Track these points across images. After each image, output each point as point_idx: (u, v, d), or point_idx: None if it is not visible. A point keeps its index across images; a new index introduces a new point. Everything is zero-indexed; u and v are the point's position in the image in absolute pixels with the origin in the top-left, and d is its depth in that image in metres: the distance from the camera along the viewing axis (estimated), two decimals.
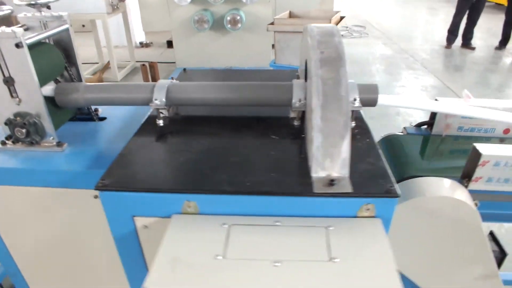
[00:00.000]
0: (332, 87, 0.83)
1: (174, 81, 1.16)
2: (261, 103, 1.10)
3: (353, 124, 1.04)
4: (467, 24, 6.03)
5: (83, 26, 6.85)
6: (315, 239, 0.74)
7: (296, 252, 0.72)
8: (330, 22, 3.33)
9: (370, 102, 1.05)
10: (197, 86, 1.13)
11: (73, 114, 1.36)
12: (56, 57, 1.24)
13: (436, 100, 1.23)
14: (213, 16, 4.66)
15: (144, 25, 4.92)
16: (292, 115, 1.08)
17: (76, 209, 1.15)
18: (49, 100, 1.16)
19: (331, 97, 0.82)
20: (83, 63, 5.37)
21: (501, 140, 1.26)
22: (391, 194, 0.76)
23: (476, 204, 1.03)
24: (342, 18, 3.86)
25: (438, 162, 1.18)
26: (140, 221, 0.88)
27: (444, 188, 0.94)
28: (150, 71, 4.63)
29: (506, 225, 2.54)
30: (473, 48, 6.06)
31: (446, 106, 1.10)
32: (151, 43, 6.89)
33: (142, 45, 6.76)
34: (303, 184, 0.80)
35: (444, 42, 6.29)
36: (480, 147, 0.95)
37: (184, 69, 1.59)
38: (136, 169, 0.91)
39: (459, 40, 6.22)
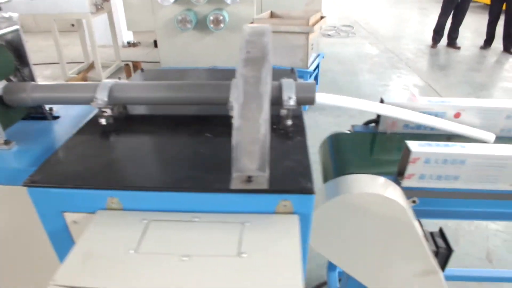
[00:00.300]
0: (252, 86, 0.85)
1: (120, 80, 1.18)
2: (201, 102, 1.12)
3: (290, 122, 1.06)
4: (452, 24, 6.08)
5: (73, 25, 6.84)
6: (229, 235, 0.76)
7: (206, 247, 0.74)
8: (308, 23, 3.36)
9: (307, 100, 1.08)
10: (139, 85, 1.15)
11: (26, 113, 1.37)
12: (5, 57, 1.25)
13: (381, 100, 1.26)
14: (197, 16, 4.67)
15: (128, 25, 4.92)
16: (231, 113, 1.10)
17: (21, 206, 1.17)
18: None
19: (251, 96, 0.84)
20: (68, 63, 5.38)
21: (448, 138, 1.29)
22: (306, 191, 0.79)
23: (414, 202, 1.06)
24: (322, 18, 3.88)
25: (378, 159, 1.21)
26: (69, 217, 0.90)
27: (373, 185, 0.96)
28: (134, 70, 4.64)
29: (477, 222, 2.59)
30: (458, 48, 6.11)
31: (384, 109, 1.12)
32: (139, 42, 6.90)
33: (129, 44, 6.77)
34: (223, 181, 0.82)
35: (431, 42, 6.34)
36: (411, 144, 0.97)
37: (142, 69, 1.60)
38: (66, 166, 0.93)
39: (445, 40, 6.27)
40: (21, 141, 1.21)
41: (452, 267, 2.11)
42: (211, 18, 4.55)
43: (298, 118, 1.11)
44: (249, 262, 0.70)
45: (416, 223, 1.00)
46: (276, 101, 1.05)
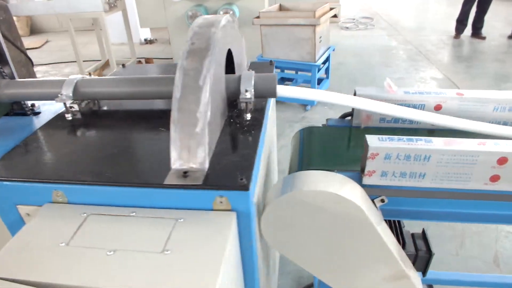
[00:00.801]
0: (191, 78, 0.82)
1: (87, 76, 1.18)
2: (156, 97, 1.10)
3: (249, 116, 1.03)
4: (476, 12, 5.75)
5: (93, 24, 7.03)
6: (159, 231, 0.74)
7: (134, 243, 0.72)
8: (314, 15, 3.27)
9: (268, 93, 1.04)
10: (102, 81, 1.14)
11: (8, 109, 1.40)
12: None
13: (354, 93, 1.19)
14: (207, 11, 4.67)
15: (141, 22, 4.99)
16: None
17: None
18: None
19: (189, 89, 0.81)
20: (86, 61, 5.53)
21: (430, 132, 1.21)
22: (241, 187, 0.75)
23: (383, 201, 0.99)
24: (331, 9, 3.77)
25: (347, 155, 1.15)
26: (22, 210, 0.91)
27: (327, 182, 0.90)
28: None
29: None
30: (483, 38, 5.79)
31: (351, 100, 1.07)
32: (156, 39, 7.00)
33: (146, 41, 6.88)
34: (163, 176, 0.80)
35: (454, 33, 6.05)
36: (370, 138, 0.91)
37: (123, 65, 1.61)
38: (21, 160, 0.94)
39: (469, 30, 5.96)
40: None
41: (455, 270, 2.02)
42: (221, 12, 4.53)
43: (259, 111, 1.07)
44: (170, 259, 0.68)
45: (380, 224, 0.94)
46: (235, 94, 1.02)
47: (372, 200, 0.99)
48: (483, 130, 1.06)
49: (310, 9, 3.63)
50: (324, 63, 4.04)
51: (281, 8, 4.07)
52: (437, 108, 1.15)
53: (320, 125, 1.26)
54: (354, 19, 7.66)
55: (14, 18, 7.85)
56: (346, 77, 4.70)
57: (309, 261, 1.03)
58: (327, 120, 1.27)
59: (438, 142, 0.87)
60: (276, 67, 4.09)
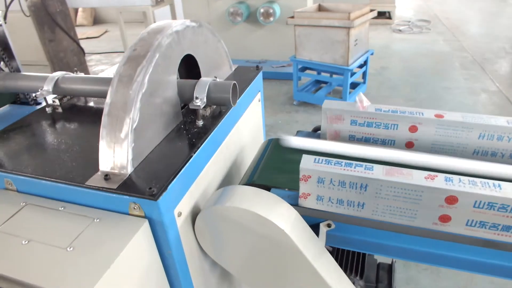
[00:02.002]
0: (123, 85, 0.83)
1: (68, 74, 1.25)
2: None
3: (201, 123, 1.01)
4: None
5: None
6: (74, 227, 0.77)
7: (49, 235, 0.76)
8: (349, 17, 3.14)
9: (222, 101, 1.02)
10: (79, 79, 1.20)
11: (13, 98, 1.52)
12: None
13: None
14: (249, 9, 4.69)
15: (185, 17, 5.14)
16: None
17: None
18: None
19: (119, 95, 0.82)
20: None
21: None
22: (150, 196, 0.75)
23: (329, 225, 0.93)
24: (371, 11, 3.60)
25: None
26: None
27: (254, 200, 0.84)
28: None
29: None
30: None
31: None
32: None
33: None
34: (90, 176, 0.83)
35: None
36: (305, 159, 0.85)
37: None
38: None
39: None
40: None
41: None
42: (261, 11, 4.53)
43: (216, 118, 1.05)
44: (68, 256, 0.70)
45: (315, 251, 0.88)
46: (191, 100, 1.01)
47: (318, 224, 0.94)
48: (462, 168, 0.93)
49: (351, 10, 3.49)
50: (360, 67, 3.87)
51: (320, 9, 3.96)
52: (412, 130, 1.05)
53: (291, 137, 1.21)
54: (409, 21, 7.24)
55: (79, 9, 8.47)
56: (386, 84, 4.46)
57: (246, 275, 1.00)
58: (297, 132, 1.21)
59: (378, 171, 0.80)
60: (312, 69, 4.00)
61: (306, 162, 0.83)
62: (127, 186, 0.78)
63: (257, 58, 5.00)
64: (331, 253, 1.17)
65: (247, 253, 0.92)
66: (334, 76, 3.99)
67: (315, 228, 0.93)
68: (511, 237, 0.77)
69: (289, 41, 4.33)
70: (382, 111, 1.05)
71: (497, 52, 5.25)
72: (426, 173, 0.78)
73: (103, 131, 0.82)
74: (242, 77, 1.33)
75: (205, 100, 0.99)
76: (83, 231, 0.76)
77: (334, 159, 0.84)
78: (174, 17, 5.45)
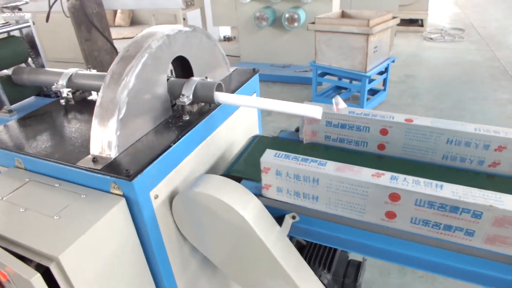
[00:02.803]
0: (114, 81, 0.96)
1: (80, 70, 1.40)
2: None
3: (187, 118, 1.12)
4: None
5: (184, 19, 7.68)
6: (64, 201, 0.90)
7: (43, 206, 0.89)
8: (368, 24, 3.17)
9: (207, 99, 1.12)
10: (89, 75, 1.34)
11: (38, 90, 1.71)
12: (18, 47, 1.59)
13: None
14: (275, 13, 4.79)
15: (214, 20, 5.32)
16: None
17: None
18: (9, 79, 1.53)
19: (110, 89, 0.95)
20: None
21: (378, 158, 1.17)
22: (126, 177, 0.86)
23: (294, 217, 1.01)
24: (394, 18, 3.60)
25: None
26: None
27: (222, 188, 0.93)
28: None
29: None
30: None
31: (275, 104, 1.04)
32: (234, 37, 7.35)
33: (225, 39, 7.27)
34: (81, 158, 0.96)
35: None
36: (267, 152, 0.94)
37: None
38: (8, 131, 1.18)
39: None
40: (22, 112, 1.54)
41: None
42: (286, 16, 4.62)
43: (202, 115, 1.15)
44: (54, 223, 0.83)
45: (276, 239, 0.96)
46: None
47: (283, 216, 1.02)
48: None
49: (369, 17, 3.50)
50: (381, 73, 3.87)
51: (343, 15, 4.00)
52: (383, 133, 1.10)
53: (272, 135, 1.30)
54: (442, 29, 7.06)
55: (118, 11, 8.88)
56: (408, 92, 4.41)
57: (218, 260, 1.09)
58: (280, 131, 1.30)
59: (330, 167, 0.87)
60: (333, 75, 4.03)
61: (267, 156, 0.92)
62: (110, 168, 0.90)
63: (282, 62, 5.09)
64: (305, 247, 1.24)
65: (218, 238, 1.02)
66: (354, 82, 4.00)
67: (282, 220, 1.02)
68: (453, 236, 0.82)
69: (312, 46, 4.38)
70: (355, 114, 1.11)
71: None
72: (375, 171, 0.85)
73: (94, 120, 0.95)
74: (237, 78, 1.43)
75: (191, 97, 1.10)
76: (70, 204, 0.89)
77: (293, 155, 0.92)
78: (204, 19, 5.65)
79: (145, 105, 1.04)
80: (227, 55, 4.75)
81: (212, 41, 1.32)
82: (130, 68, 0.96)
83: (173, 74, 1.29)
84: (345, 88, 4.18)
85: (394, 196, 0.82)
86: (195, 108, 1.17)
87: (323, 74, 4.04)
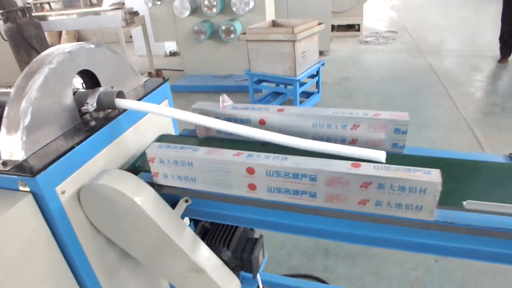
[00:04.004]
0: (18, 94, 1.11)
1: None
2: None
3: (93, 123, 1.28)
4: None
5: (130, 37, 7.76)
6: None
7: None
8: (293, 31, 3.47)
9: (109, 105, 1.29)
10: (2, 93, 1.47)
11: None
12: None
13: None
14: (213, 26, 5.03)
15: (155, 36, 5.48)
16: None
17: None
18: None
19: (14, 102, 1.10)
20: None
21: (263, 145, 1.37)
22: (30, 174, 1.02)
23: (187, 201, 1.20)
24: (320, 24, 3.93)
25: None
26: None
27: (117, 179, 1.10)
28: (157, 77, 5.17)
29: None
30: None
31: (179, 114, 1.25)
32: (179, 52, 7.53)
33: (171, 54, 7.43)
34: None
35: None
36: (152, 145, 1.13)
37: None
38: None
39: None
40: None
41: None
42: (223, 28, 4.87)
43: (106, 120, 1.32)
44: None
45: (168, 220, 1.13)
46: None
47: (178, 201, 1.21)
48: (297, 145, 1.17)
49: (297, 25, 3.82)
50: (313, 77, 4.19)
51: (274, 24, 4.31)
52: (262, 123, 1.33)
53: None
54: (377, 33, 7.63)
55: (63, 31, 8.77)
56: (342, 93, 4.78)
57: (126, 244, 1.25)
58: (183, 129, 1.49)
59: (201, 151, 1.07)
60: (268, 81, 4.31)
61: (151, 147, 1.11)
62: (17, 168, 1.05)
63: (223, 72, 5.33)
64: (209, 230, 1.44)
65: (121, 226, 1.18)
66: (289, 87, 4.30)
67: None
68: (302, 199, 1.04)
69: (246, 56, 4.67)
70: (237, 109, 1.33)
71: (467, 70, 5.27)
72: (236, 151, 1.06)
73: (3, 129, 1.10)
74: (147, 87, 1.61)
75: (95, 105, 1.27)
76: None
77: (173, 144, 1.11)
78: (146, 36, 5.80)
79: (51, 114, 1.20)
80: (171, 70, 4.99)
81: (118, 55, 1.50)
82: (33, 82, 1.12)
83: (84, 86, 1.45)
84: (281, 94, 4.47)
85: (250, 170, 1.03)
86: (101, 114, 1.34)
87: (260, 81, 4.30)
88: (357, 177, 0.92)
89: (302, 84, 3.95)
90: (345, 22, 7.58)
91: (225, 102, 1.34)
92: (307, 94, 4.30)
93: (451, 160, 1.17)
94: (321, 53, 6.41)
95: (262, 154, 1.04)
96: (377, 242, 1.02)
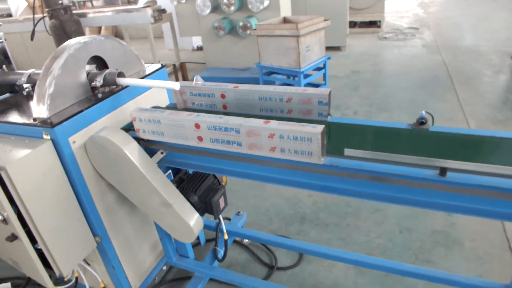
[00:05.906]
0: (46, 70, 1.59)
1: (37, 70, 2.03)
2: None
3: (100, 95, 1.75)
4: None
5: (162, 32, 8.37)
6: (15, 144, 1.51)
7: (1, 146, 1.51)
8: (297, 27, 3.82)
9: (113, 82, 1.75)
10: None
11: (11, 89, 2.35)
12: None
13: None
14: (232, 23, 5.46)
15: (180, 31, 5.99)
16: None
17: None
18: None
19: (43, 76, 1.58)
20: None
21: (224, 114, 1.75)
22: (49, 125, 1.48)
23: (162, 153, 1.64)
24: (325, 20, 4.24)
25: None
26: None
27: (112, 133, 1.54)
28: (180, 70, 5.69)
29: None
30: None
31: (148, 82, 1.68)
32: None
33: (198, 48, 7.95)
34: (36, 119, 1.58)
35: None
36: (136, 108, 1.57)
37: None
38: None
39: None
40: None
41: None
42: (240, 24, 5.28)
43: (111, 93, 1.78)
44: (5, 150, 1.44)
45: (147, 166, 1.56)
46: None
47: (156, 152, 1.64)
48: None
49: (304, 21, 4.15)
50: (319, 69, 4.50)
51: (285, 21, 4.65)
52: (223, 97, 1.72)
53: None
54: (398, 29, 7.72)
55: (103, 26, 9.53)
56: (350, 85, 5.04)
57: (120, 185, 1.70)
58: (170, 103, 1.92)
59: (166, 112, 1.49)
60: (277, 73, 4.66)
61: (134, 110, 1.54)
62: (42, 122, 1.53)
63: (241, 65, 5.74)
64: (184, 179, 1.86)
65: (114, 170, 1.63)
66: (296, 79, 4.64)
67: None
68: (233, 148, 1.42)
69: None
70: (204, 85, 1.74)
71: (479, 69, 5.32)
72: (189, 113, 1.47)
73: (35, 96, 1.58)
74: (148, 72, 2.06)
75: (102, 81, 1.73)
76: (17, 144, 1.50)
77: (150, 108, 1.55)
78: (173, 31, 6.33)
79: (68, 86, 1.67)
80: (195, 62, 5.54)
81: (123, 45, 1.96)
82: (56, 63, 1.59)
83: (97, 69, 1.92)
84: (290, 85, 4.82)
85: (197, 126, 1.43)
86: (107, 89, 1.80)
87: (270, 73, 4.68)
88: (265, 130, 1.30)
89: (307, 76, 4.27)
90: (365, 19, 7.73)
91: (198, 80, 1.75)
92: (315, 86, 4.62)
93: (472, 136, 1.29)
94: (337, 48, 6.65)
95: (206, 115, 1.44)
96: (281, 181, 1.41)
